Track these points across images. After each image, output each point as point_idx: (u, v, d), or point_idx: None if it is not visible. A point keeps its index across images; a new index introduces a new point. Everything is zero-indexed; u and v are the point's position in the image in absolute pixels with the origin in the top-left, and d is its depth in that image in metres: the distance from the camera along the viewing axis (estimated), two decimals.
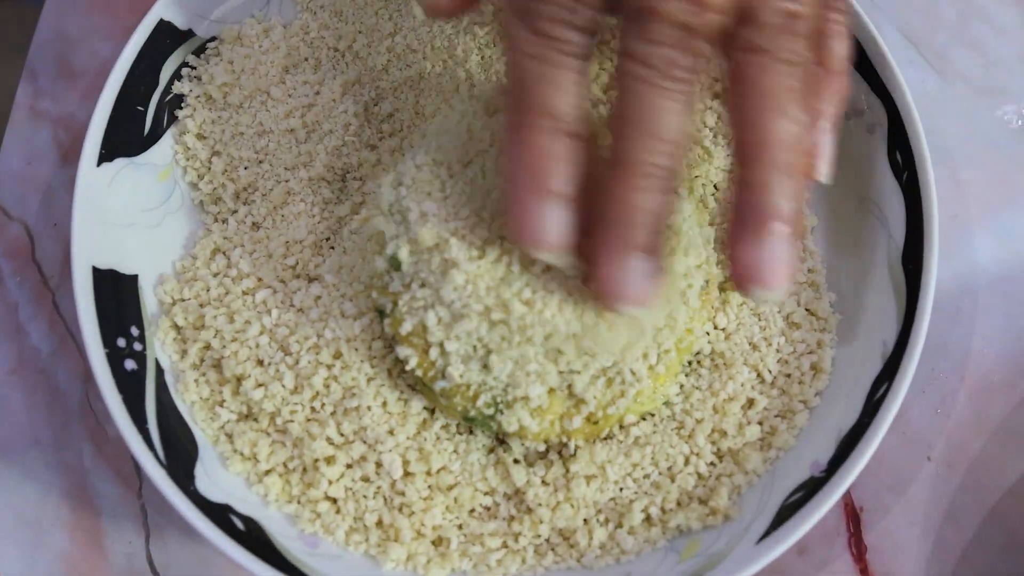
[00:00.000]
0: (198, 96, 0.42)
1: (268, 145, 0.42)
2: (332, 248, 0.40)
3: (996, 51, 0.48)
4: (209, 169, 0.42)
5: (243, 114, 0.42)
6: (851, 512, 0.40)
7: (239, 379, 0.37)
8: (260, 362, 0.37)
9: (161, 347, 0.38)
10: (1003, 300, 0.44)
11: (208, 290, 0.39)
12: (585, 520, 0.36)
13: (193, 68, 0.43)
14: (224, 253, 0.40)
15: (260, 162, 0.42)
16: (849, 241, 0.40)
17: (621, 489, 0.37)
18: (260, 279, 0.39)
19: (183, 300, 0.39)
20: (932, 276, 0.37)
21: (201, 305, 0.39)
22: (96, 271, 0.37)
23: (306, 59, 0.44)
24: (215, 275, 0.40)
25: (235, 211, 0.41)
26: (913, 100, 0.39)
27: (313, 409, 0.37)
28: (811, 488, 0.35)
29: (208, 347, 0.38)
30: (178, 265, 0.40)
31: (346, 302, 0.38)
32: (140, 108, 0.41)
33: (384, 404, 0.37)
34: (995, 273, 0.44)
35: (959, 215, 0.45)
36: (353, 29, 0.44)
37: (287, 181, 0.41)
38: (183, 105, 0.42)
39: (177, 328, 0.39)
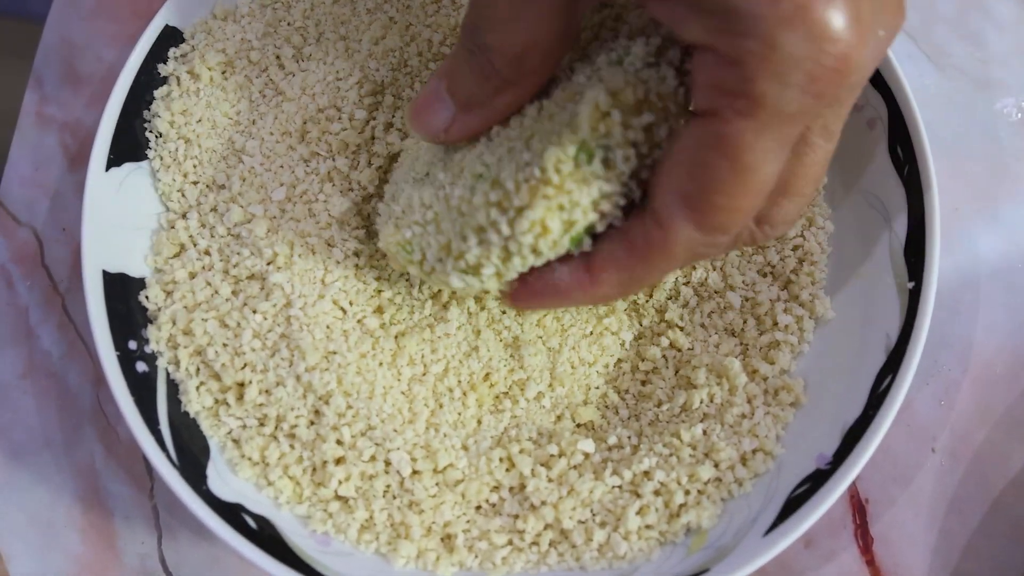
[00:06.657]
0: (179, 77, 0.41)
1: (238, 139, 0.41)
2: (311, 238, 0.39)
3: (994, 44, 0.49)
4: (175, 160, 0.40)
5: (222, 102, 0.41)
6: (857, 504, 0.40)
7: (241, 385, 0.37)
8: (259, 368, 0.37)
9: (158, 352, 0.38)
10: (1005, 292, 0.44)
11: (193, 293, 0.38)
12: (589, 516, 0.37)
13: (182, 42, 0.42)
14: (196, 248, 0.39)
15: (225, 157, 0.40)
16: (851, 235, 0.41)
17: (622, 488, 0.37)
18: (236, 277, 0.39)
19: (171, 306, 0.38)
20: (934, 269, 0.37)
21: (187, 309, 0.38)
22: (106, 275, 0.38)
23: (301, 48, 0.43)
24: (192, 276, 0.39)
25: (197, 205, 0.40)
26: (913, 94, 0.39)
27: (317, 412, 0.37)
28: (817, 480, 0.35)
29: (202, 353, 0.38)
30: (149, 260, 0.39)
31: (331, 288, 0.38)
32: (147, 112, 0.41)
33: (392, 402, 0.37)
34: (997, 265, 0.45)
35: (960, 208, 0.45)
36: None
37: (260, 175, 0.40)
38: (164, 86, 0.41)
39: (170, 336, 0.38)
